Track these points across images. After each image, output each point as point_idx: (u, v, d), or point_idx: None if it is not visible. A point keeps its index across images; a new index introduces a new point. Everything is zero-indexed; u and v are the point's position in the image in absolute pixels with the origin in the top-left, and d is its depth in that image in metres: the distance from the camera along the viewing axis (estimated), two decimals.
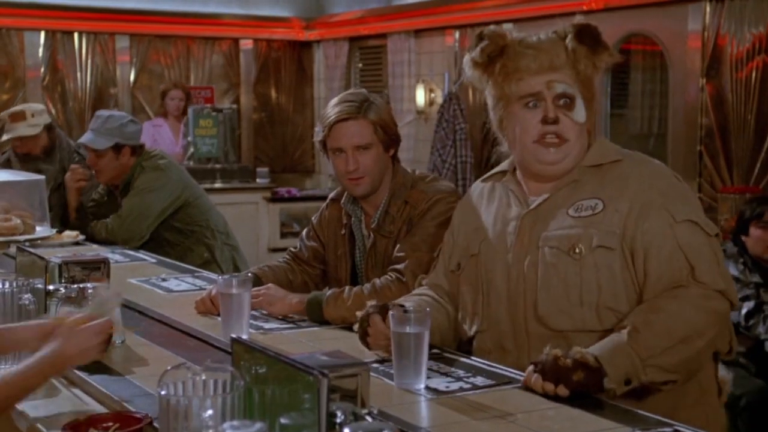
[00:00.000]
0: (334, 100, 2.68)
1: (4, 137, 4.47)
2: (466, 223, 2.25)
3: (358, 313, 2.13)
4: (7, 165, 4.56)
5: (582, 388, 1.76)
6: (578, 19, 2.07)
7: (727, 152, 5.09)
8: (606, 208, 2.00)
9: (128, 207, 3.98)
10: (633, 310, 1.93)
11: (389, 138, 2.66)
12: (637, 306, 1.93)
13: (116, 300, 2.10)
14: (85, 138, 4.03)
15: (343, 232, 2.76)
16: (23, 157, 4.47)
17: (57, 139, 4.54)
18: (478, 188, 2.30)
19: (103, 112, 4.13)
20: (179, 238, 4.08)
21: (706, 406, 2.01)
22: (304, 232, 2.91)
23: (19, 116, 4.46)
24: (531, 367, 1.82)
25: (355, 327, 2.14)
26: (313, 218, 2.90)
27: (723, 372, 2.11)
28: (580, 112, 2.06)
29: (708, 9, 5.08)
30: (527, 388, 1.82)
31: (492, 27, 2.12)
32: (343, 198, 2.75)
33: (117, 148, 3.96)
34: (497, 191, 2.22)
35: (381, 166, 2.65)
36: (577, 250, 1.97)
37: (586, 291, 1.97)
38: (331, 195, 2.87)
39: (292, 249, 2.90)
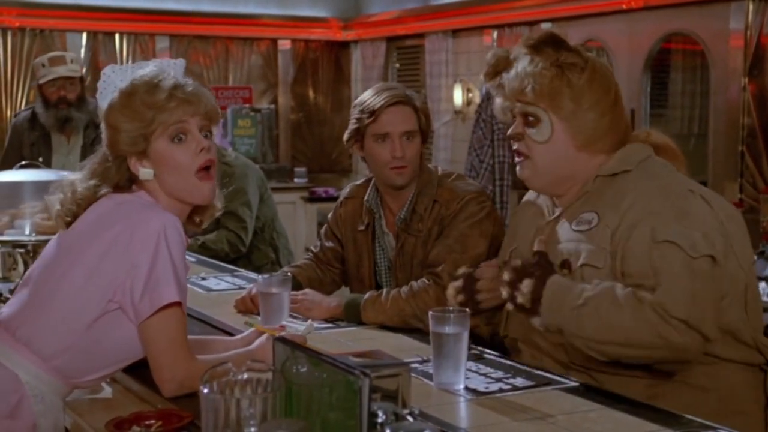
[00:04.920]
0: (372, 91, 2.66)
1: (47, 78, 4.50)
2: (514, 223, 2.29)
3: (454, 284, 2.11)
4: (32, 119, 4.59)
5: (522, 300, 1.87)
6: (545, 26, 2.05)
7: None
8: (599, 222, 1.97)
9: (242, 213, 3.99)
10: (602, 281, 1.88)
11: (427, 129, 2.67)
12: (606, 282, 1.88)
13: (311, 328, 2.28)
14: None
15: (361, 228, 2.74)
16: (57, 102, 4.48)
17: (86, 91, 4.58)
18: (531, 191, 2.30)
19: None
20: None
21: (730, 416, 1.89)
22: (322, 233, 2.90)
23: (60, 60, 4.53)
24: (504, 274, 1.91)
25: (455, 298, 2.09)
26: (329, 217, 2.89)
27: None
28: (540, 131, 2.04)
29: (751, 7, 5.01)
30: (566, 390, 1.81)
31: (499, 51, 2.12)
32: (367, 195, 2.74)
33: None
34: (542, 196, 2.21)
35: (419, 158, 2.64)
36: (566, 266, 1.96)
37: None
38: (345, 194, 2.86)
39: (313, 249, 2.91)
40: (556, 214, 2.10)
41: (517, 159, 2.11)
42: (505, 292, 1.91)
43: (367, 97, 2.64)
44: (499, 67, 2.10)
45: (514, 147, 2.11)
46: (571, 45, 2.06)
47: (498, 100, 2.13)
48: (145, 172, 1.86)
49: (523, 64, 2.05)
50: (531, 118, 2.06)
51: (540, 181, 2.11)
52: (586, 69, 2.03)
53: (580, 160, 2.06)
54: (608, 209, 1.97)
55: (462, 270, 2.14)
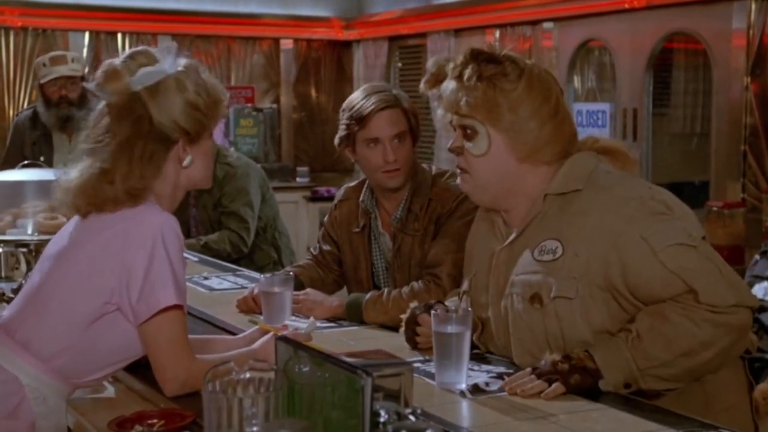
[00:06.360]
0: (360, 94, 2.63)
1: (50, 77, 4.50)
2: (470, 245, 2.21)
3: (403, 316, 2.15)
4: (33, 119, 4.59)
5: (578, 389, 1.79)
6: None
7: None
8: (565, 252, 1.91)
9: (244, 213, 4.00)
10: (641, 311, 1.87)
11: (417, 128, 2.65)
12: (645, 308, 1.87)
13: (313, 325, 2.25)
14: None
15: (356, 229, 2.74)
16: (58, 101, 4.48)
17: (87, 91, 4.58)
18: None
19: None
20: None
21: (716, 413, 1.88)
22: (320, 235, 2.90)
23: (61, 59, 4.54)
24: (528, 370, 1.83)
25: (401, 330, 2.16)
26: (325, 220, 2.88)
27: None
28: (477, 145, 1.99)
29: (753, 6, 5.01)
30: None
31: (440, 58, 2.08)
32: (362, 196, 2.73)
33: None
34: (490, 215, 2.14)
35: (412, 158, 2.63)
36: (536, 300, 1.92)
37: (552, 338, 1.92)
38: (339, 196, 2.85)
39: (312, 251, 2.91)
40: (511, 238, 2.03)
41: (458, 172, 2.07)
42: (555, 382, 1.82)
43: (356, 101, 2.61)
44: (440, 76, 2.05)
45: (456, 161, 2.06)
46: (499, 55, 1.99)
47: (439, 111, 2.07)
48: (189, 158, 1.89)
49: (453, 81, 2.00)
50: (469, 131, 2.01)
51: (482, 195, 2.05)
52: (522, 77, 1.96)
53: (523, 173, 1.99)
54: (572, 237, 1.91)
55: (413, 305, 2.16)
